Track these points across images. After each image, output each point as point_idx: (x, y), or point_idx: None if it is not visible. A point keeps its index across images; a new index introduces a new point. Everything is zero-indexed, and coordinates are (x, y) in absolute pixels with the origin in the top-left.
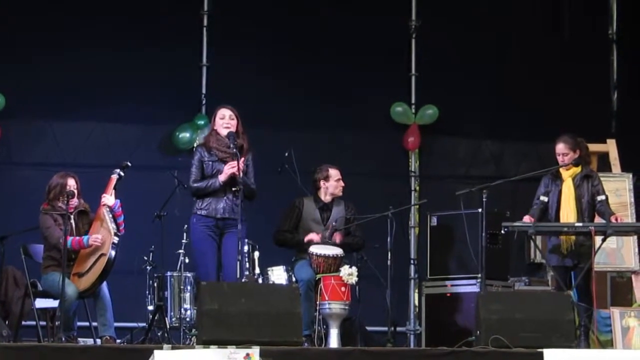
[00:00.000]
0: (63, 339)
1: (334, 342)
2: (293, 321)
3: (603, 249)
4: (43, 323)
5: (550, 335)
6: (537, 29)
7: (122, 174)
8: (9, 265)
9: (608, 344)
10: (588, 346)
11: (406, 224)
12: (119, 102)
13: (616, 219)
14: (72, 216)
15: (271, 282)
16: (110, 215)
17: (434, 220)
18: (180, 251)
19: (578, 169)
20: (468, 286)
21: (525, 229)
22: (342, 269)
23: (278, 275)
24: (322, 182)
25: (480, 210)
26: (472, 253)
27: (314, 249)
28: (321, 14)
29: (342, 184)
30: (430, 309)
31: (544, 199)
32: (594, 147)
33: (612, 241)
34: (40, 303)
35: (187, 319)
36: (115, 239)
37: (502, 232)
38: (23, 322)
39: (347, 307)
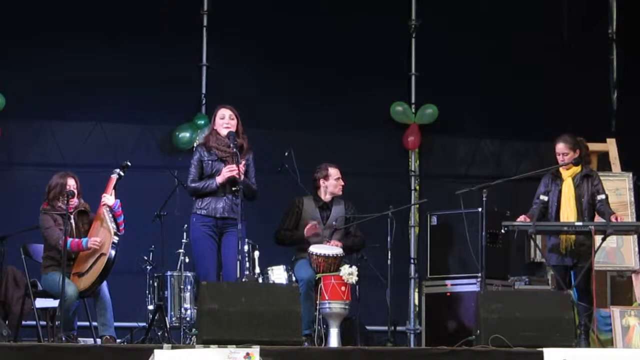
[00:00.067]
0: (63, 338)
1: (334, 341)
2: (293, 321)
3: (603, 248)
4: (43, 323)
5: (550, 334)
6: (537, 29)
7: (122, 173)
8: (9, 265)
9: (608, 343)
10: (588, 345)
11: (406, 224)
12: (119, 102)
13: (616, 218)
14: (72, 216)
15: (271, 282)
16: (110, 215)
17: (434, 220)
18: (180, 251)
19: (578, 169)
20: (468, 285)
21: (525, 228)
22: (342, 268)
23: (278, 274)
24: (321, 181)
25: (480, 209)
26: (472, 252)
27: (314, 249)
28: (321, 13)
29: (342, 183)
30: (430, 308)
31: (544, 198)
32: (593, 146)
33: (612, 240)
34: (40, 303)
35: (187, 319)
36: (115, 239)
37: (502, 231)
38: (23, 322)
39: (347, 307)
